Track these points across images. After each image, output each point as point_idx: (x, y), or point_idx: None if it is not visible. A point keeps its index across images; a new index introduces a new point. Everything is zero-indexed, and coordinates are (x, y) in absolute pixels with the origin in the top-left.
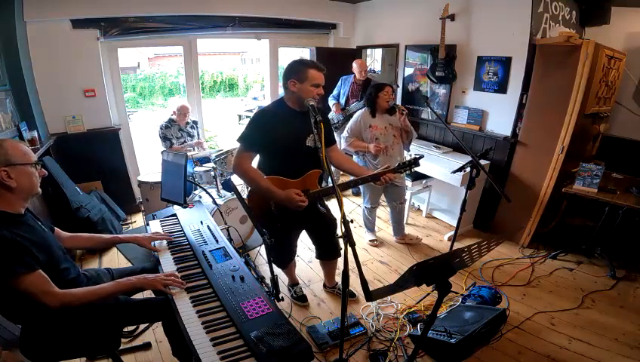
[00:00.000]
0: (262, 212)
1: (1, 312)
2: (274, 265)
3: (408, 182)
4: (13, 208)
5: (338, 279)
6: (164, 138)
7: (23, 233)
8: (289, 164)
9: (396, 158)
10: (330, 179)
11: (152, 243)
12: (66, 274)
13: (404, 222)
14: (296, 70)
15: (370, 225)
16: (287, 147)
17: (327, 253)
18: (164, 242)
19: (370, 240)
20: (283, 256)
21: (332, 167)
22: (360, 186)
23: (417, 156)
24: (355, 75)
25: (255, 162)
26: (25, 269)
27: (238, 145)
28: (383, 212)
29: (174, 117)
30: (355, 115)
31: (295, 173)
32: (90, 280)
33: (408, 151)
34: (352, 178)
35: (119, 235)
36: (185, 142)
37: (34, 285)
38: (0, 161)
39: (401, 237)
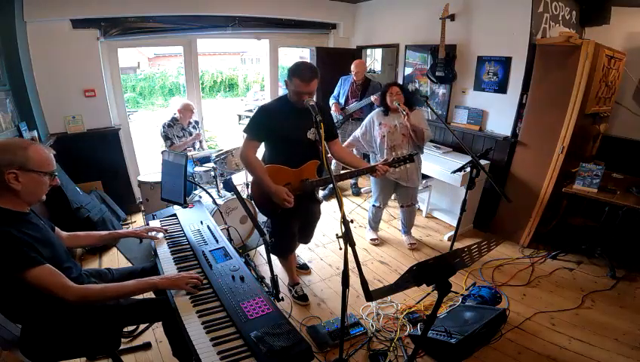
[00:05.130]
0: (263, 198)
1: (2, 311)
2: (275, 258)
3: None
4: (18, 207)
5: (337, 278)
6: (166, 137)
7: (28, 230)
8: (289, 154)
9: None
10: (331, 179)
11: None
12: (69, 273)
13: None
14: (288, 74)
15: (373, 224)
16: (288, 138)
17: (301, 239)
18: (160, 234)
19: (371, 239)
20: (283, 245)
21: (332, 164)
22: (372, 185)
23: (413, 153)
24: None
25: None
26: (32, 264)
27: (235, 146)
28: (385, 212)
29: (177, 116)
30: (371, 113)
31: (295, 162)
32: (91, 280)
33: (422, 152)
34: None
35: (117, 230)
36: None
37: (47, 278)
38: (15, 162)
39: (407, 238)
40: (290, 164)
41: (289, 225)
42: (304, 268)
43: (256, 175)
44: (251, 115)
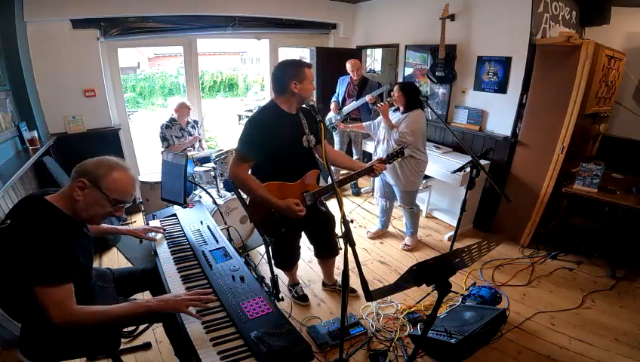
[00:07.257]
0: (264, 218)
1: (3, 307)
2: (276, 267)
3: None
4: (80, 217)
5: (337, 277)
6: (164, 138)
7: (82, 242)
8: (287, 168)
9: (382, 152)
10: (330, 180)
11: (149, 234)
12: (89, 281)
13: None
14: (296, 72)
15: (379, 217)
16: (285, 150)
17: (325, 251)
18: (159, 235)
19: (367, 231)
20: (287, 259)
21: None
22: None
23: (402, 146)
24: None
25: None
26: (62, 280)
27: (235, 146)
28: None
29: (175, 116)
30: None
31: (294, 175)
32: (98, 285)
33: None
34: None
35: (117, 226)
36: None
37: (55, 296)
38: (91, 173)
39: (407, 238)
40: (288, 178)
41: (292, 240)
42: (303, 300)
43: (257, 195)
44: (243, 128)
